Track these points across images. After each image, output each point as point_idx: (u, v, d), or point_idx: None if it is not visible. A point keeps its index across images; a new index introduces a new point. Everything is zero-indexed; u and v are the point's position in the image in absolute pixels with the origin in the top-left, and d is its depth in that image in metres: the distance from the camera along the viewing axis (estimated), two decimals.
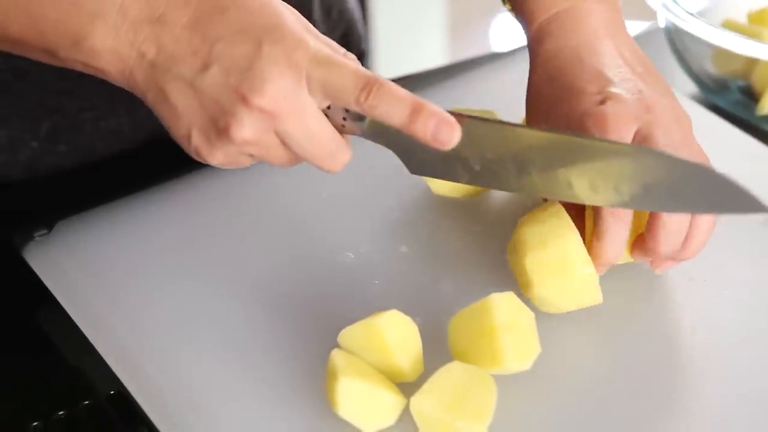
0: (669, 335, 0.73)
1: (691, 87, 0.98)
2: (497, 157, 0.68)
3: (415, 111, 0.64)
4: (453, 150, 0.65)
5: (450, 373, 0.65)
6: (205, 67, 0.63)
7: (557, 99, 0.73)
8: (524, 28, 0.79)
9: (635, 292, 0.74)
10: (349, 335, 0.67)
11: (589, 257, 0.70)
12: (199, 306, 0.74)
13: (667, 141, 0.70)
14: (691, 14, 0.91)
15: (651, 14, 0.98)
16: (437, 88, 0.94)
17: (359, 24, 1.06)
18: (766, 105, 0.93)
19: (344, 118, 0.66)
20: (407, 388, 0.66)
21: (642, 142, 0.70)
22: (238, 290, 0.75)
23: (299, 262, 0.77)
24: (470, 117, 0.67)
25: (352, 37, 1.04)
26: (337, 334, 0.68)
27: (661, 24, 0.98)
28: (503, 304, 0.67)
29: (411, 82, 0.96)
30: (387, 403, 0.65)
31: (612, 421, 0.67)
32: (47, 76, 0.84)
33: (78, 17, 0.64)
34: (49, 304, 0.75)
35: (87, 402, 0.70)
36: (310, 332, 0.72)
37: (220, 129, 0.64)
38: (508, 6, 0.82)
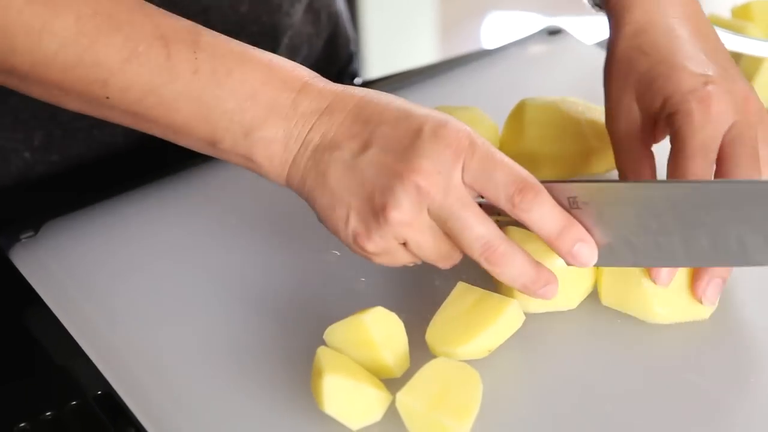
0: (658, 336, 0.72)
1: None
2: (659, 227, 0.66)
3: (566, 228, 0.65)
4: (605, 228, 0.66)
5: (435, 369, 0.65)
6: (365, 147, 0.64)
7: (654, 73, 0.72)
8: None
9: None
10: (335, 332, 0.68)
11: None
12: (185, 306, 0.74)
13: (757, 143, 0.70)
14: None
15: None
16: (425, 84, 0.95)
17: (347, 26, 1.06)
18: None
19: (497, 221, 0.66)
20: (393, 384, 0.66)
21: (733, 138, 0.69)
22: (224, 289, 0.75)
23: (285, 261, 0.77)
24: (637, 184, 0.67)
25: (339, 39, 1.04)
26: (323, 331, 0.68)
27: None
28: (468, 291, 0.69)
29: (400, 79, 0.97)
30: (373, 400, 0.66)
31: (599, 417, 0.67)
32: None
33: (254, 109, 0.66)
34: (36, 305, 0.75)
35: (74, 402, 0.70)
36: (297, 330, 0.72)
37: (377, 209, 0.64)
38: None
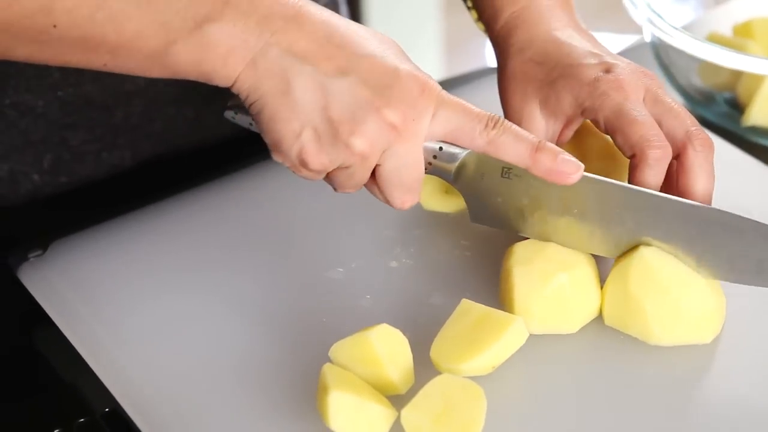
0: (661, 356, 0.72)
1: (678, 100, 0.98)
2: (580, 212, 0.71)
3: (539, 148, 0.68)
4: (529, 202, 0.70)
5: (440, 385, 0.66)
6: (343, 73, 0.65)
7: (554, 76, 0.75)
8: (489, 27, 0.82)
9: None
10: (340, 349, 0.68)
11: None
12: (191, 323, 0.75)
13: (667, 99, 0.75)
14: (677, 29, 0.92)
15: (637, 29, 0.99)
16: None
17: None
18: (752, 116, 0.93)
19: (434, 156, 0.69)
20: (398, 400, 0.67)
21: (654, 102, 0.74)
22: (230, 307, 0.76)
23: (291, 278, 0.78)
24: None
25: None
26: (328, 348, 0.68)
27: (647, 39, 0.98)
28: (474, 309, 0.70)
29: None
30: (378, 416, 0.66)
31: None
32: (53, 111, 0.85)
33: (208, 3, 0.64)
34: (44, 323, 0.76)
35: (82, 420, 0.70)
36: (302, 347, 0.72)
37: (341, 133, 0.65)
38: (474, 15, 0.85)
